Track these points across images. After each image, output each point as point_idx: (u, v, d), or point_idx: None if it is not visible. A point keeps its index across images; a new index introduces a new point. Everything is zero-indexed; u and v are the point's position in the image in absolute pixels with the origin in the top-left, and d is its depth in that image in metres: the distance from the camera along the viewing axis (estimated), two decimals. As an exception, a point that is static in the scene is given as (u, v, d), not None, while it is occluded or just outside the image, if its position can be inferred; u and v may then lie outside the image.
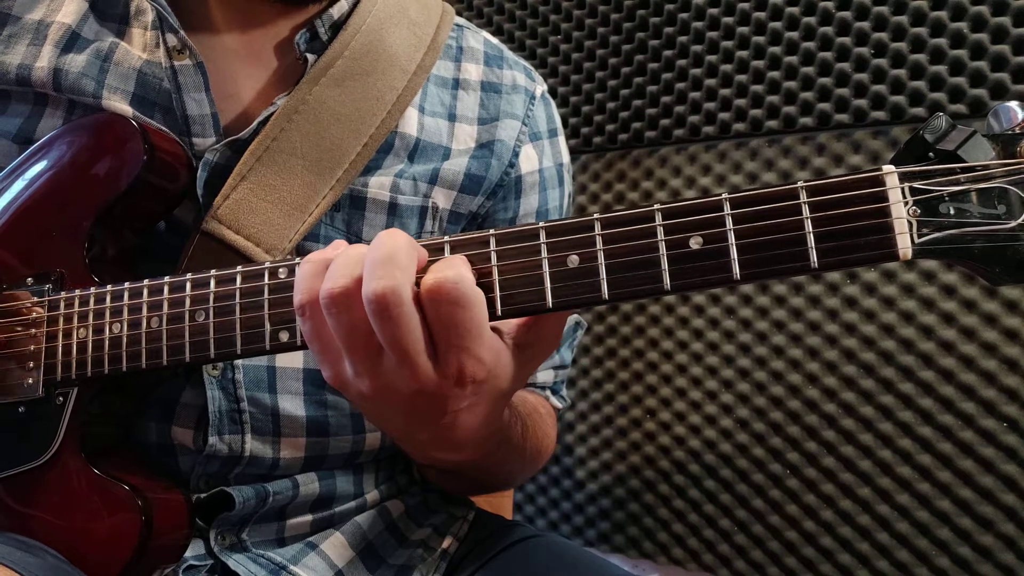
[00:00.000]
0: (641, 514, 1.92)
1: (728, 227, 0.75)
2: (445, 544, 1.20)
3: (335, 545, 1.15)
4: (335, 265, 0.78)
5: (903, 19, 1.64)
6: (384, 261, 0.76)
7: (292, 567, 1.09)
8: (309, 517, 1.15)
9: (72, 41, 1.10)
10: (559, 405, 1.36)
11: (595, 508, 1.97)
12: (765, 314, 1.78)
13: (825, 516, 1.72)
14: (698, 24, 1.84)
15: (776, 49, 1.76)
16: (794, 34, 1.74)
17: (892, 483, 1.66)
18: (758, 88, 1.78)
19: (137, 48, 1.11)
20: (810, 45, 1.72)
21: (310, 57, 1.10)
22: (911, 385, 1.64)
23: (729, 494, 1.82)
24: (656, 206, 0.77)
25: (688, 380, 1.87)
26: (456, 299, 0.76)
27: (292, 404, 1.10)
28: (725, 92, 1.82)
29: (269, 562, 1.09)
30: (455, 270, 0.76)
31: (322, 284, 0.78)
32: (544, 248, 0.79)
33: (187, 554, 1.06)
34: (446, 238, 0.82)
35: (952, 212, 0.70)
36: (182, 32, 1.06)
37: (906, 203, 0.71)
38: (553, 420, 1.33)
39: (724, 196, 0.75)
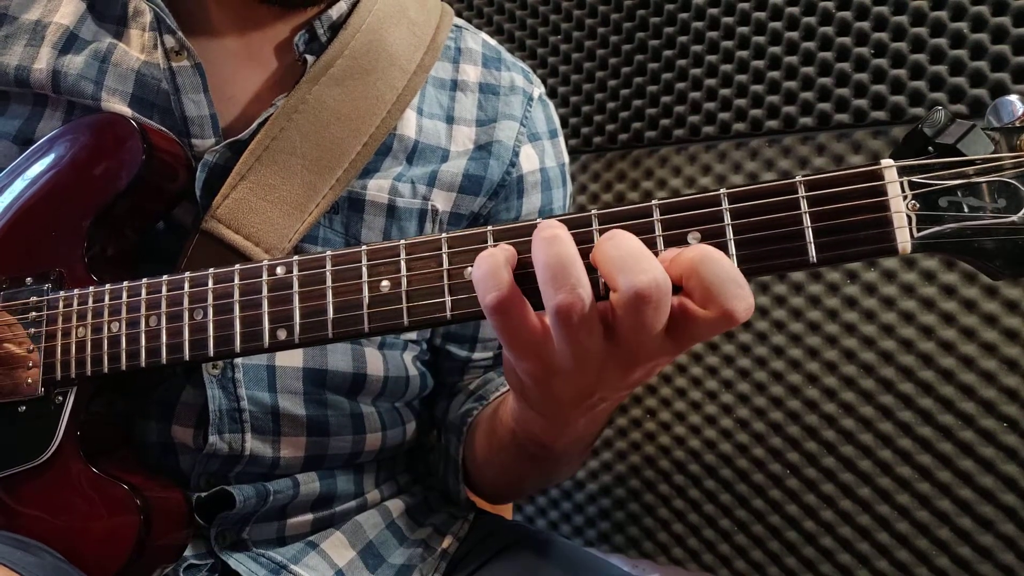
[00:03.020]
0: (641, 514, 1.92)
1: (726, 222, 0.74)
2: (445, 544, 1.21)
3: (335, 544, 1.15)
4: (563, 271, 0.72)
5: (903, 19, 1.64)
6: (639, 256, 0.72)
7: (293, 566, 1.09)
8: (310, 516, 1.15)
9: (70, 42, 1.10)
10: None
11: (595, 508, 1.97)
12: (765, 314, 1.78)
13: (825, 516, 1.71)
14: (698, 24, 1.83)
15: (776, 49, 1.76)
16: (794, 34, 1.74)
17: (892, 483, 1.65)
18: (758, 88, 1.78)
19: (135, 49, 1.10)
20: (810, 45, 1.72)
21: (309, 58, 1.10)
22: (911, 385, 1.63)
23: (729, 494, 1.82)
24: (654, 201, 0.77)
25: (688, 380, 1.86)
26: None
27: (292, 403, 1.10)
28: (725, 92, 1.82)
29: (270, 561, 1.09)
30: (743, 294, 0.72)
31: (553, 293, 0.72)
32: None
33: (187, 553, 1.06)
34: (443, 235, 0.82)
35: (951, 206, 0.70)
36: (180, 33, 1.06)
37: (905, 197, 0.71)
38: None
39: (722, 191, 0.75)
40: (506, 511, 1.76)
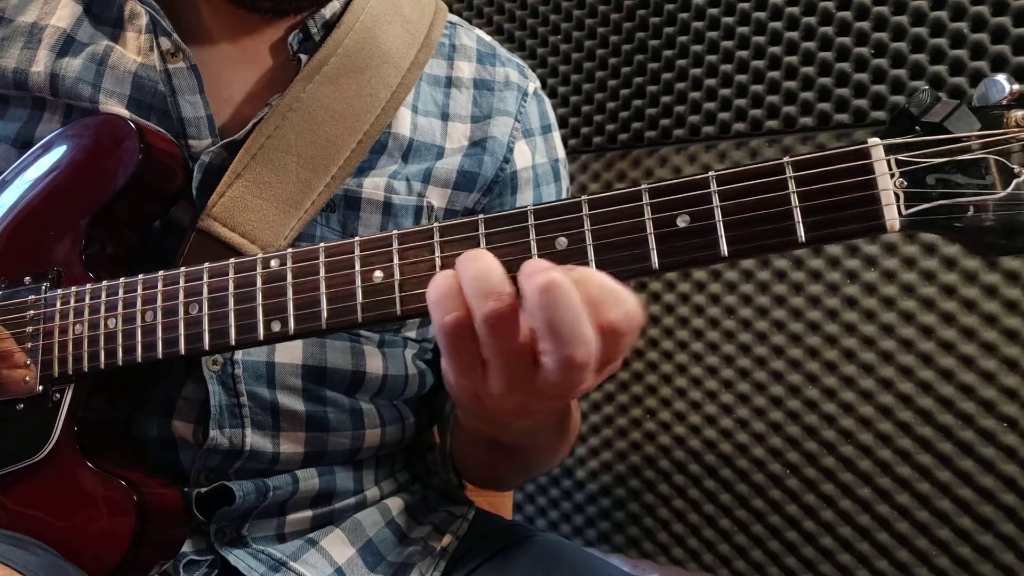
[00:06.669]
0: (641, 514, 1.92)
1: (715, 204, 0.75)
2: (444, 542, 1.21)
3: (335, 542, 1.16)
4: (490, 280, 0.73)
5: (903, 19, 1.64)
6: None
7: (292, 563, 1.09)
8: (309, 513, 1.15)
9: (67, 45, 1.10)
10: None
11: (595, 508, 1.97)
12: (765, 314, 1.78)
13: (825, 516, 1.71)
14: (698, 24, 1.84)
15: (776, 49, 1.76)
16: (794, 34, 1.74)
17: (892, 483, 1.65)
18: (758, 88, 1.78)
19: (131, 52, 1.11)
20: (810, 45, 1.72)
21: (303, 57, 1.10)
22: (911, 385, 1.63)
23: (729, 494, 1.81)
24: (643, 185, 0.77)
25: (688, 380, 1.86)
26: (635, 330, 0.73)
27: (291, 399, 1.10)
28: (725, 92, 1.82)
29: (269, 558, 1.09)
30: (633, 303, 0.72)
31: (481, 302, 0.73)
32: (532, 231, 0.79)
33: (187, 549, 1.07)
34: (435, 224, 0.83)
35: (939, 183, 0.70)
36: (175, 35, 1.07)
37: (892, 175, 0.71)
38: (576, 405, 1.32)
39: (711, 174, 0.76)
40: (506, 511, 1.76)
